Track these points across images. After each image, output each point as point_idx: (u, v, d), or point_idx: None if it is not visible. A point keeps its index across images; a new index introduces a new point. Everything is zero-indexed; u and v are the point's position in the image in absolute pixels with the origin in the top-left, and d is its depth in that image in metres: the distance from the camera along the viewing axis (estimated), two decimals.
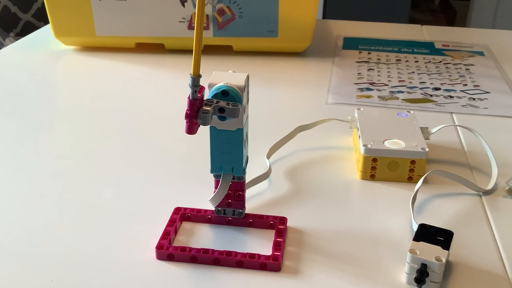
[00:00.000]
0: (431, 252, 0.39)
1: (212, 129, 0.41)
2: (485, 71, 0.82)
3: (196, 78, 0.36)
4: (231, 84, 0.39)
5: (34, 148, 0.58)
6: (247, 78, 0.41)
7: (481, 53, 0.90)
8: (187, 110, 0.37)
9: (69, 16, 0.83)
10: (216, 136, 0.41)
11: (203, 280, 0.40)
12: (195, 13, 0.82)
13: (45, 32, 0.97)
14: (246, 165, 0.43)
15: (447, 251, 0.39)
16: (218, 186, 0.42)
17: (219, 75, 0.41)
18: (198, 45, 0.36)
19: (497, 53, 0.91)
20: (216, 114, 0.38)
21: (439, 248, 0.39)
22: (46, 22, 1.77)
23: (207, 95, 0.40)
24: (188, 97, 0.37)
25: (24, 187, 0.51)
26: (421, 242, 0.40)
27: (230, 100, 0.39)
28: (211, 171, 0.43)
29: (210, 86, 0.40)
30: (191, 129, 0.37)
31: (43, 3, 1.76)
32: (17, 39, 1.61)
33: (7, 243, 0.43)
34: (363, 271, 0.41)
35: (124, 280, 0.39)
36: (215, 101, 0.38)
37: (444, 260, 0.38)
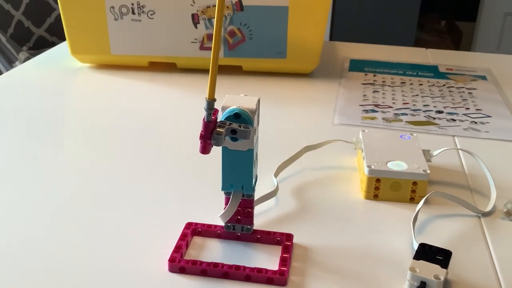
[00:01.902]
0: (430, 271, 0.41)
1: (224, 149, 0.44)
2: (487, 96, 0.84)
3: (211, 102, 0.39)
4: (243, 107, 0.42)
5: (50, 164, 0.61)
6: (258, 101, 0.43)
7: (483, 77, 0.92)
8: (201, 131, 0.39)
9: (86, 35, 0.87)
10: (227, 156, 0.44)
11: None
12: (207, 34, 0.85)
13: (61, 50, 1.00)
14: (255, 184, 0.46)
15: (445, 269, 0.41)
16: (228, 203, 0.45)
17: (231, 98, 0.43)
18: (214, 71, 0.38)
19: (499, 78, 0.93)
20: (228, 135, 0.40)
21: (438, 267, 0.41)
22: (58, 36, 1.81)
23: (220, 117, 0.42)
24: (203, 119, 0.39)
25: (40, 202, 0.53)
26: (421, 261, 0.42)
27: (242, 122, 0.41)
28: (222, 189, 0.45)
29: (224, 108, 0.42)
30: (205, 149, 0.39)
31: (56, 18, 1.80)
32: (30, 53, 1.65)
33: (25, 254, 0.45)
34: (365, 287, 0.43)
35: None
36: (227, 123, 0.41)
37: (442, 278, 0.40)
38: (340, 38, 1.13)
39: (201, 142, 0.40)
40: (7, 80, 0.86)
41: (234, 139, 0.42)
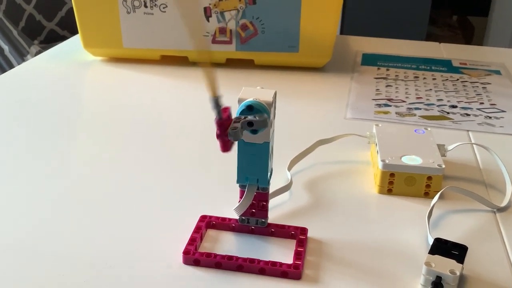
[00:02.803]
0: (446, 265, 0.41)
1: (240, 142, 0.43)
2: (501, 90, 0.83)
3: (215, 98, 0.39)
4: (259, 100, 0.41)
5: (62, 156, 0.61)
6: (275, 94, 0.43)
7: (498, 72, 0.92)
8: (217, 131, 0.39)
9: (98, 28, 0.87)
10: (243, 149, 0.44)
11: (227, 285, 0.42)
12: (219, 28, 0.85)
13: (73, 43, 1.00)
14: (270, 177, 0.46)
15: (461, 264, 0.41)
16: (243, 196, 0.45)
17: (248, 91, 0.43)
18: (210, 67, 0.38)
19: None
20: (246, 128, 0.40)
21: (453, 261, 0.41)
22: (69, 30, 1.81)
23: (235, 111, 0.42)
24: (215, 119, 0.39)
25: (53, 193, 0.53)
26: (437, 256, 0.42)
27: (257, 113, 0.41)
28: (237, 182, 0.45)
29: (240, 101, 0.42)
30: (226, 147, 0.39)
31: (67, 12, 1.81)
32: (41, 47, 1.66)
33: (41, 245, 0.46)
34: (380, 282, 0.43)
35: (152, 282, 0.42)
36: (242, 117, 0.40)
37: (458, 273, 0.40)
38: (350, 33, 1.13)
39: (219, 141, 0.39)
40: (19, 73, 0.87)
41: (254, 132, 0.41)
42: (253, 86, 0.44)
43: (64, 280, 0.42)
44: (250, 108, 0.41)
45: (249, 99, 0.42)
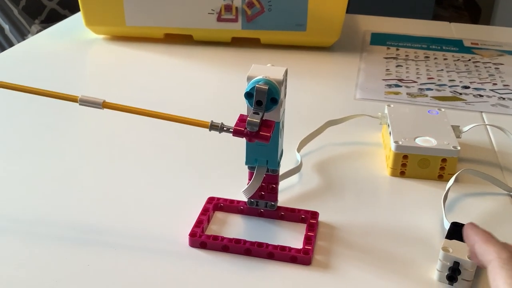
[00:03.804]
0: (463, 251, 0.39)
1: None
2: None
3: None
4: (269, 78, 0.39)
5: (65, 135, 0.59)
6: (286, 72, 0.41)
7: (510, 52, 0.89)
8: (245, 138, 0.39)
9: (100, 5, 0.84)
10: None
11: (234, 269, 0.40)
12: (224, 5, 0.83)
13: (75, 21, 0.98)
14: (280, 158, 0.44)
15: None
16: (252, 178, 0.43)
17: (257, 68, 0.41)
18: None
19: None
20: (258, 110, 0.39)
21: None
22: (70, 10, 1.78)
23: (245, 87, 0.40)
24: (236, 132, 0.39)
25: (56, 175, 0.52)
26: (454, 241, 0.40)
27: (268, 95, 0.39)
28: (246, 163, 0.43)
29: (249, 78, 0.40)
30: (265, 139, 0.38)
31: None
32: (42, 26, 1.63)
33: (46, 228, 0.44)
34: (394, 267, 0.41)
35: (157, 264, 0.40)
36: (252, 110, 0.39)
37: None
38: (355, 11, 1.10)
39: (246, 139, 0.39)
40: (19, 51, 0.84)
41: (268, 107, 0.39)
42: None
43: (68, 263, 0.40)
44: (249, 95, 0.39)
45: (259, 77, 0.40)
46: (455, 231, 0.41)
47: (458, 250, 0.39)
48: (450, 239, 0.40)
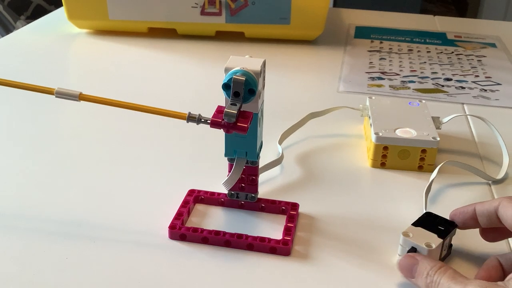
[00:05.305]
0: (424, 238, 0.39)
1: None
2: (497, 63, 0.82)
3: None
4: (247, 69, 0.39)
5: (48, 128, 0.59)
6: (264, 63, 0.41)
7: (493, 45, 0.90)
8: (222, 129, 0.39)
9: None
10: None
11: (214, 261, 0.41)
12: None
13: (58, 15, 0.97)
14: (260, 150, 0.44)
15: (441, 239, 0.39)
16: (231, 170, 0.43)
17: (235, 59, 0.41)
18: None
19: (509, 45, 0.90)
20: (235, 101, 0.38)
21: (434, 235, 0.40)
22: (56, 5, 1.77)
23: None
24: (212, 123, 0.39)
25: (34, 168, 0.52)
26: (419, 228, 0.40)
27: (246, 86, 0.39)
28: (225, 155, 0.43)
29: (227, 70, 0.40)
30: (243, 130, 0.38)
31: None
32: (28, 22, 1.62)
33: (24, 221, 0.44)
34: (372, 256, 0.41)
35: (137, 257, 0.40)
36: (229, 101, 0.39)
37: (434, 246, 0.38)
38: (343, 5, 1.10)
39: (224, 130, 0.39)
40: (3, 45, 0.84)
41: (246, 98, 0.39)
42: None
43: (46, 256, 0.40)
44: (227, 87, 0.39)
45: (237, 68, 0.40)
46: (426, 220, 0.41)
47: (419, 236, 0.39)
48: (416, 226, 0.40)
